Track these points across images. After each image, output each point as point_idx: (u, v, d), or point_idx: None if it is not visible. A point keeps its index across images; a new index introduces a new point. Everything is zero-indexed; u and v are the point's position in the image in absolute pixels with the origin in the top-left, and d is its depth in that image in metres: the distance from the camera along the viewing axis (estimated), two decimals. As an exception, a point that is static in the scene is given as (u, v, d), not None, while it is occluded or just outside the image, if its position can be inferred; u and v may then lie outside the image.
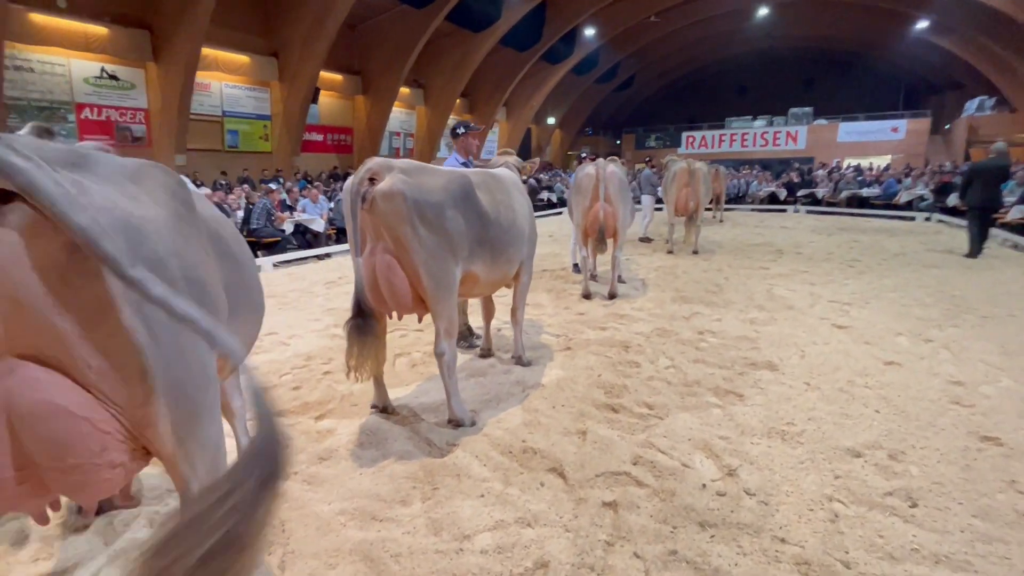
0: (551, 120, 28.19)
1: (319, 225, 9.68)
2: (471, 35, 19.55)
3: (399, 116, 20.88)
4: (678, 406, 3.24)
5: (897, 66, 28.55)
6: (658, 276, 7.09)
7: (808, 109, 27.37)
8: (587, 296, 5.90)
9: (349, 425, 3.04)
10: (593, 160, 7.01)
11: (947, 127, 25.59)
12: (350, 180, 2.60)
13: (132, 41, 12.35)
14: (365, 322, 2.66)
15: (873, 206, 15.06)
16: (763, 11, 24.05)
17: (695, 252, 8.73)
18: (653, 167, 11.19)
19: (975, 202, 8.29)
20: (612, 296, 5.87)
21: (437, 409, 3.23)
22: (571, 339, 4.53)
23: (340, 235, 10.17)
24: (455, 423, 2.99)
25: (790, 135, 26.93)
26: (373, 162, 2.62)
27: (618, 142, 32.81)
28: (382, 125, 18.80)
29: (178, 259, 1.19)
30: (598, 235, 5.44)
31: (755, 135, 27.73)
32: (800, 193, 16.67)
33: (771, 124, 27.73)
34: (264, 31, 15.13)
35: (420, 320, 2.91)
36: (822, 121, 26.61)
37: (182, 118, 13.01)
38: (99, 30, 11.81)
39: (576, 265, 7.40)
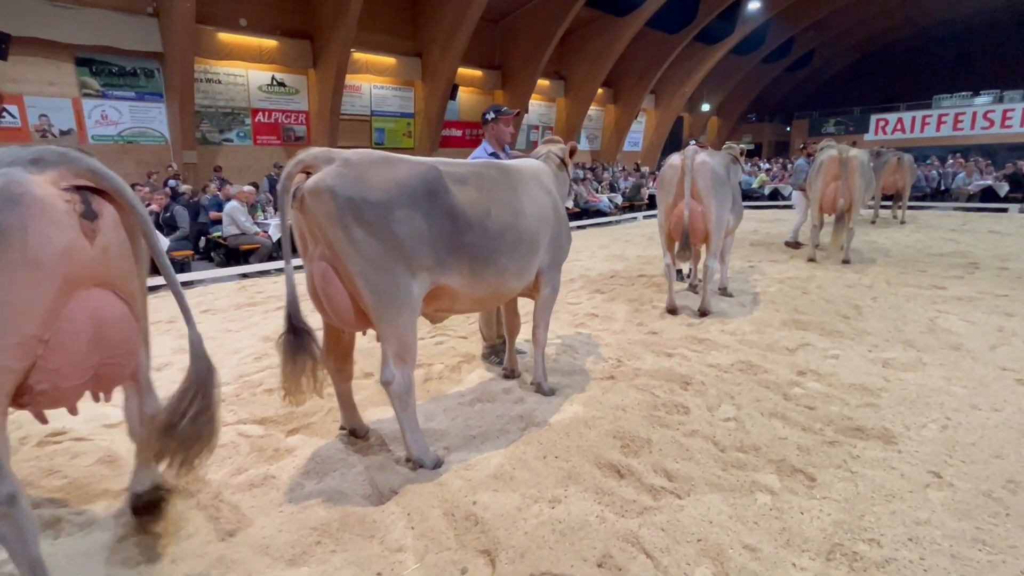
0: (706, 107, 25.73)
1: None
2: (614, 20, 18.51)
3: (538, 109, 20.69)
4: (711, 482, 2.36)
5: None
6: (780, 291, 5.75)
7: (1060, 79, 21.15)
8: (672, 311, 4.95)
9: (312, 446, 2.74)
10: (704, 147, 5.96)
11: None
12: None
13: (297, 51, 13.82)
14: (297, 338, 2.30)
15: None
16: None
17: (845, 262, 7.01)
18: (809, 156, 9.33)
19: None
20: (703, 313, 4.84)
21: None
22: (621, 365, 3.73)
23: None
24: (413, 463, 2.52)
25: (1028, 114, 21.09)
26: (310, 152, 2.23)
27: (788, 129, 28.89)
28: (519, 118, 18.76)
29: None
30: (683, 239, 4.48)
31: (974, 115, 22.25)
32: (1031, 188, 12.81)
33: (1000, 100, 21.99)
34: (409, 33, 15.92)
35: (379, 339, 2.48)
36: (1081, 93, 20.36)
37: (334, 118, 14.26)
38: (271, 43, 13.40)
39: (679, 271, 6.37)
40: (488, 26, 18.03)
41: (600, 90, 22.04)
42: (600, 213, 12.73)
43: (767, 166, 21.05)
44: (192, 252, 7.35)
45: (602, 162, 20.73)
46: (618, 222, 13.07)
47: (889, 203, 11.85)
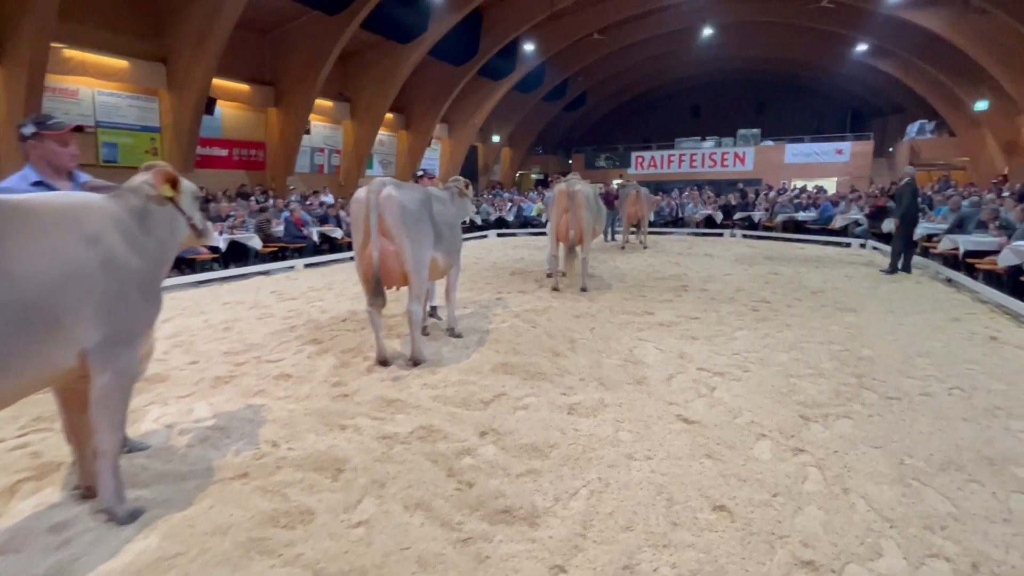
0: (496, 138, 26.90)
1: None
2: (398, 46, 18.14)
3: (323, 131, 19.28)
4: (265, 656, 1.66)
5: (843, 89, 28.24)
6: (512, 326, 5.55)
7: (756, 130, 26.72)
8: (383, 362, 4.33)
9: None
10: (431, 179, 5.55)
11: (891, 150, 25.15)
12: None
13: (-34, 38, 10.52)
14: None
15: (810, 231, 13.98)
16: (708, 31, 23.25)
17: (583, 290, 7.26)
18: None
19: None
20: (415, 363, 4.31)
21: None
22: (269, 453, 2.93)
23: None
24: None
25: (738, 156, 26.18)
26: None
27: (570, 161, 31.73)
28: (297, 139, 17.13)
29: None
30: (374, 283, 3.89)
31: (704, 156, 26.90)
32: (736, 216, 15.55)
33: (719, 145, 26.95)
34: (147, 33, 13.40)
35: None
36: (769, 142, 25.95)
37: (31, 127, 11.15)
38: (-82, 24, 9.97)
39: (434, 309, 5.82)
40: (255, 37, 16.24)
41: (391, 115, 21.52)
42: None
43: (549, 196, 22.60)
44: None
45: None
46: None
47: (633, 231, 13.23)
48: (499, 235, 16.18)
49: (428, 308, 5.56)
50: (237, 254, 9.52)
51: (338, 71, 19.01)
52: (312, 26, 15.88)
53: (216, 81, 14.90)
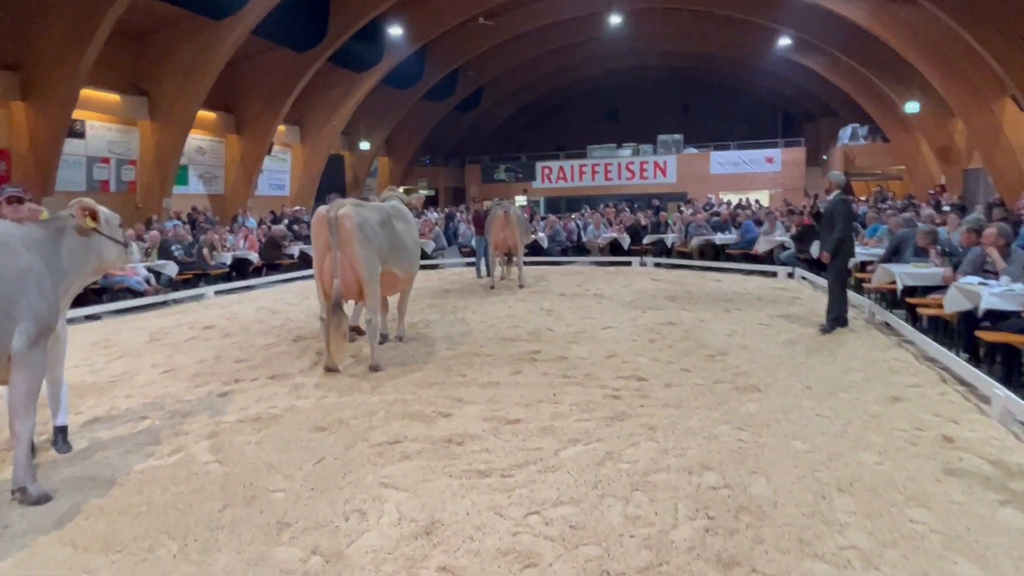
0: (365, 145, 25.05)
1: None
2: (210, 23, 16.01)
3: (107, 134, 16.62)
4: None
5: (772, 89, 29.12)
6: (177, 464, 3.64)
7: (678, 136, 26.75)
8: None
9: None
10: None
11: (824, 157, 25.92)
12: None
13: None
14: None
15: (732, 257, 13.17)
16: (617, 19, 22.91)
17: (373, 369, 5.46)
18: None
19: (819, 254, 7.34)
20: None
21: None
22: None
23: None
24: None
25: (658, 166, 26.00)
26: None
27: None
28: (57, 145, 14.40)
29: None
30: None
31: (620, 166, 26.50)
32: (647, 240, 14.57)
33: (637, 153, 26.70)
34: None
35: None
36: (692, 150, 25.99)
37: None
38: None
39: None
40: (-17, 4, 13.56)
41: (212, 115, 19.19)
42: (130, 291, 9.57)
43: (434, 216, 21.01)
44: None
45: (204, 213, 17.50)
46: (169, 303, 10.16)
47: (497, 259, 11.75)
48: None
49: None
50: None
51: (128, 56, 16.59)
52: (67, -7, 13.46)
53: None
